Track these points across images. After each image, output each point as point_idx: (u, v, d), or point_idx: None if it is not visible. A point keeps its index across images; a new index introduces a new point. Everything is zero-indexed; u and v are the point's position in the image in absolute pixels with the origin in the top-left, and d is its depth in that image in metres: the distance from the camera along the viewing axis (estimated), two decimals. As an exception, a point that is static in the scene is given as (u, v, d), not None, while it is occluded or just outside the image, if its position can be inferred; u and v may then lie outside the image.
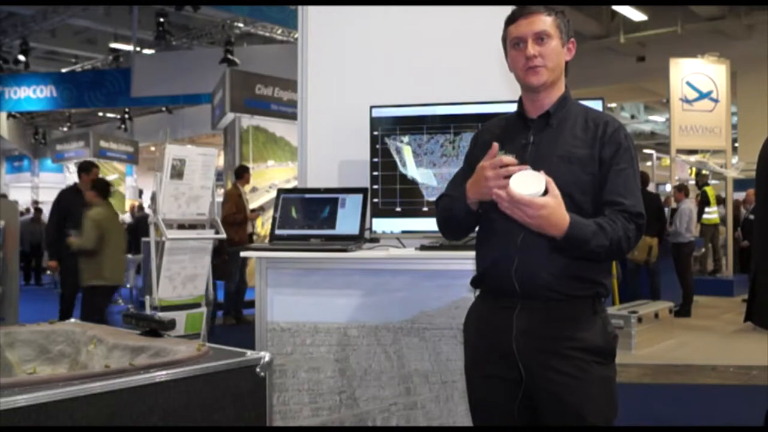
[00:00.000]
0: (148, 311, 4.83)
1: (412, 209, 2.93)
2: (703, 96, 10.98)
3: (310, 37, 3.28)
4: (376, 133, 2.97)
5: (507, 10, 1.88)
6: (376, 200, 2.96)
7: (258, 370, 1.62)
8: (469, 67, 3.11)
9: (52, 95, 15.58)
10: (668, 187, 12.94)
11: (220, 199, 7.36)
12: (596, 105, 2.31)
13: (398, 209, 2.94)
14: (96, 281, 5.34)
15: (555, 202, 1.58)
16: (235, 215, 7.28)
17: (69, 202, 6.13)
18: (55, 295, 9.28)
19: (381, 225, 2.98)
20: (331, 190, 3.04)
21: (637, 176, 1.79)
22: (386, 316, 2.77)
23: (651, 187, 10.07)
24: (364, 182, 3.00)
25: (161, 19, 12.84)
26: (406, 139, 2.93)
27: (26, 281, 12.69)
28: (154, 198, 5.37)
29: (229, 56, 12.95)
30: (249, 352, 1.66)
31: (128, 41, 15.26)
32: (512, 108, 1.95)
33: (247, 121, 10.51)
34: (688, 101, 10.94)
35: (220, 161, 10.97)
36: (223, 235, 5.43)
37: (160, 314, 4.46)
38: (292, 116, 9.90)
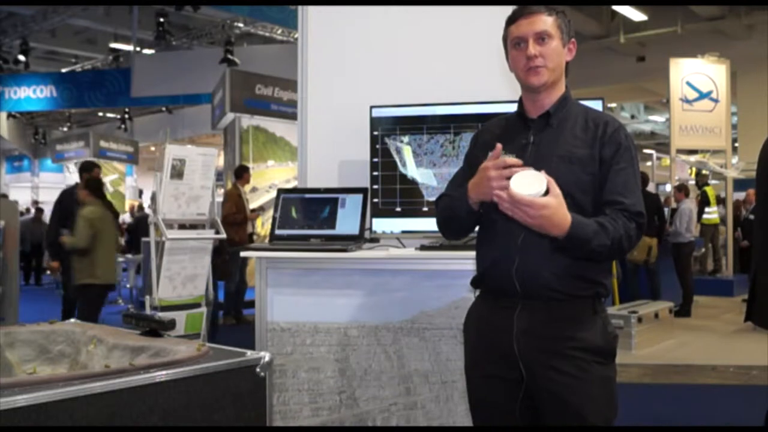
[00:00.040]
0: (148, 311, 4.83)
1: (412, 209, 2.93)
2: (703, 96, 10.99)
3: (310, 37, 3.28)
4: (376, 133, 2.97)
5: (507, 10, 1.88)
6: (376, 200, 2.96)
7: (258, 370, 1.62)
8: (469, 67, 3.11)
9: (52, 95, 15.58)
10: (668, 187, 12.94)
11: (220, 199, 7.35)
12: (596, 105, 2.31)
13: (398, 209, 2.94)
14: (89, 280, 5.34)
15: (556, 202, 1.58)
16: (234, 215, 7.28)
17: (71, 202, 6.12)
18: (55, 295, 9.30)
19: (381, 225, 2.98)
20: (331, 190, 3.04)
21: (638, 176, 1.79)
22: (386, 316, 2.77)
23: (651, 187, 10.07)
24: (364, 182, 3.00)
25: (161, 19, 12.84)
26: (406, 139, 2.93)
27: (26, 281, 12.69)
28: (154, 198, 5.37)
29: (229, 56, 12.95)
30: (249, 352, 1.66)
31: (128, 41, 15.26)
32: (512, 108, 1.95)
33: (247, 121, 10.51)
34: (688, 101, 10.94)
35: (220, 161, 10.97)
36: (223, 235, 5.43)
37: (160, 314, 4.46)
38: (292, 116, 9.90)
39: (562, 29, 1.81)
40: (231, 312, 7.64)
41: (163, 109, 18.82)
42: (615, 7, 13.39)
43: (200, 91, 13.41)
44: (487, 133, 1.95)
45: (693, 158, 11.58)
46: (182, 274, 5.15)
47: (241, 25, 14.03)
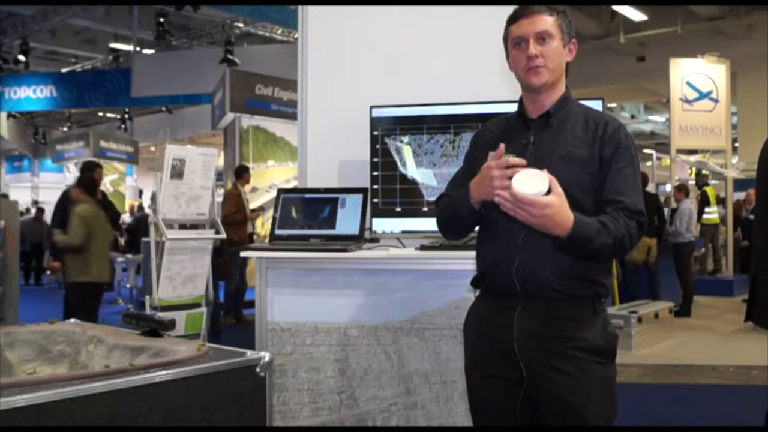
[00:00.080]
0: (148, 311, 4.83)
1: (412, 209, 2.93)
2: (703, 96, 10.99)
3: (310, 37, 3.28)
4: (376, 133, 2.97)
5: (507, 9, 1.88)
6: (376, 200, 2.96)
7: (258, 370, 1.62)
8: (469, 67, 3.11)
9: (52, 95, 15.58)
10: (668, 187, 12.94)
11: (220, 199, 7.35)
12: (596, 105, 2.31)
13: (398, 209, 2.94)
14: (83, 278, 5.34)
15: (559, 201, 1.58)
16: (234, 215, 7.27)
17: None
18: (56, 295, 9.30)
19: (381, 225, 2.98)
20: (331, 190, 3.04)
21: (638, 175, 1.78)
22: (386, 316, 2.77)
23: (651, 187, 10.07)
24: (364, 182, 3.00)
25: (161, 19, 12.84)
26: (406, 139, 2.93)
27: (26, 281, 12.69)
28: (154, 198, 5.37)
29: (229, 56, 12.95)
30: (249, 352, 1.66)
31: (128, 41, 15.26)
32: (512, 108, 1.95)
33: (247, 121, 10.51)
34: (688, 101, 10.94)
35: (220, 161, 10.97)
36: (223, 235, 5.43)
37: (160, 314, 4.46)
38: (292, 116, 9.90)
39: (563, 29, 1.81)
40: (231, 312, 7.64)
41: (163, 109, 18.81)
42: (615, 7, 13.39)
43: (200, 91, 13.41)
44: (487, 133, 1.95)
45: (693, 158, 11.58)
46: (182, 274, 5.14)
47: (241, 25, 14.03)
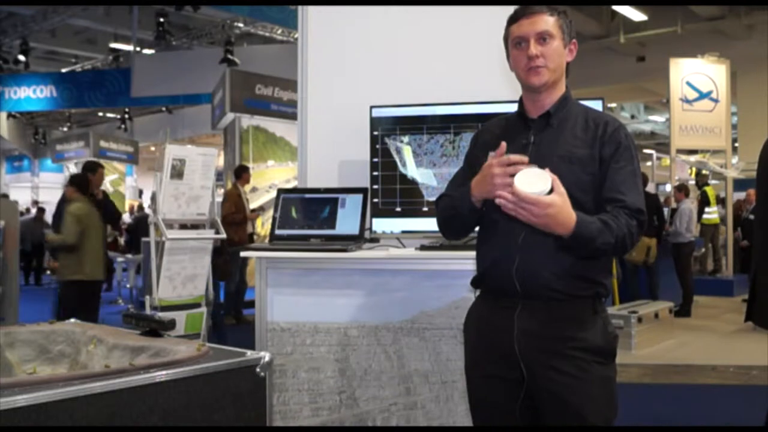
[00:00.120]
0: (148, 311, 4.83)
1: (412, 209, 2.93)
2: (703, 96, 10.99)
3: (310, 37, 3.28)
4: (376, 133, 2.97)
5: (507, 9, 1.88)
6: (376, 200, 2.96)
7: (258, 370, 1.62)
8: (469, 67, 3.11)
9: (52, 95, 15.58)
10: (668, 187, 12.94)
11: (220, 199, 7.35)
12: (596, 105, 2.31)
13: (398, 209, 2.94)
14: (76, 276, 5.34)
15: (561, 200, 1.58)
16: (234, 215, 7.27)
17: None
18: (56, 295, 9.28)
19: (381, 225, 2.98)
20: (331, 190, 3.04)
21: (638, 174, 1.78)
22: (386, 316, 2.77)
23: (651, 187, 10.07)
24: (364, 182, 3.00)
25: (161, 19, 12.84)
26: (406, 139, 2.93)
27: (26, 281, 12.69)
28: (154, 198, 5.37)
29: (229, 56, 12.95)
30: (249, 352, 1.66)
31: (128, 41, 15.27)
32: (512, 108, 1.95)
33: (247, 121, 10.51)
34: (688, 101, 10.94)
35: (220, 161, 10.97)
36: (223, 235, 5.43)
37: (160, 314, 4.46)
38: (292, 116, 9.89)
39: (564, 30, 1.81)
40: (231, 312, 7.64)
41: (163, 109, 18.82)
42: (615, 7, 13.39)
43: (200, 91, 13.41)
44: (487, 133, 1.95)
45: (693, 158, 11.58)
46: (182, 274, 5.14)
47: (241, 25, 14.03)
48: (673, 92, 10.93)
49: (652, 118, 22.52)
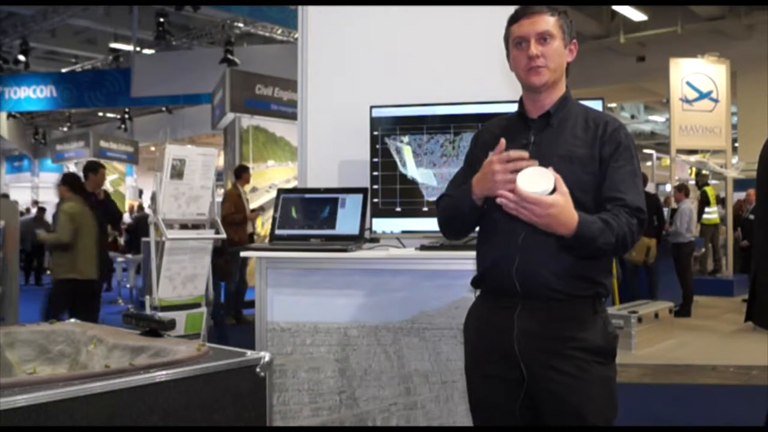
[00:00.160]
0: (148, 311, 4.82)
1: (412, 209, 2.93)
2: (703, 96, 10.98)
3: (310, 37, 3.28)
4: (376, 133, 2.97)
5: (508, 9, 1.88)
6: (376, 200, 2.96)
7: (258, 370, 1.62)
8: (469, 67, 3.11)
9: (52, 95, 15.59)
10: (668, 187, 12.94)
11: (220, 199, 7.35)
12: (596, 105, 2.31)
13: (398, 209, 2.94)
14: (70, 275, 5.34)
15: (563, 200, 1.57)
16: (233, 215, 7.27)
17: None
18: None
19: (381, 225, 2.98)
20: (331, 190, 3.04)
21: (638, 173, 1.78)
22: (386, 316, 2.77)
23: (651, 187, 10.07)
24: (364, 182, 3.00)
25: (161, 19, 12.84)
26: (406, 139, 2.93)
27: (26, 281, 12.69)
28: (154, 198, 5.37)
29: (229, 56, 12.95)
30: (249, 352, 1.66)
31: (128, 41, 15.27)
32: (513, 108, 1.95)
33: (247, 121, 10.51)
34: (688, 101, 10.94)
35: (220, 161, 10.97)
36: (223, 235, 5.43)
37: (160, 314, 4.46)
38: (292, 116, 9.90)
39: (564, 30, 1.81)
40: (231, 312, 7.64)
41: (163, 109, 18.82)
42: (615, 7, 13.39)
43: (200, 91, 13.41)
44: (487, 133, 1.95)
45: (693, 158, 11.58)
46: (182, 274, 5.14)
47: (241, 25, 14.04)
48: (673, 92, 10.93)
49: (652, 118, 22.52)
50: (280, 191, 3.13)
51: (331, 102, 3.24)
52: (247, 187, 8.35)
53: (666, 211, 9.40)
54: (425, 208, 2.90)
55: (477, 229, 1.91)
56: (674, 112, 10.98)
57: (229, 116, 10.41)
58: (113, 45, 15.89)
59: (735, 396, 4.90)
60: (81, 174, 6.19)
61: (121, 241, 12.76)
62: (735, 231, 11.14)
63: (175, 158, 5.07)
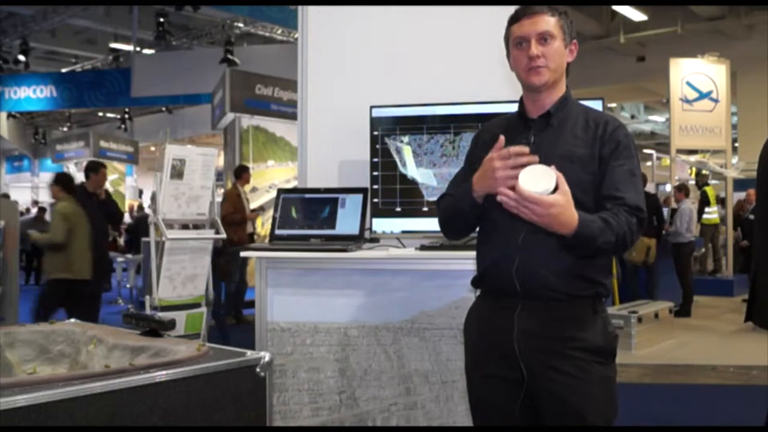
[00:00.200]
0: (148, 311, 4.82)
1: (412, 209, 2.93)
2: (703, 96, 10.98)
3: (310, 37, 3.28)
4: (376, 133, 2.97)
5: (508, 9, 1.88)
6: (376, 200, 2.96)
7: (258, 370, 1.62)
8: (469, 67, 3.11)
9: (52, 95, 15.59)
10: (668, 187, 12.94)
11: (220, 199, 7.35)
12: (596, 105, 2.31)
13: (398, 209, 2.94)
14: (63, 274, 5.34)
15: (564, 200, 1.57)
16: (232, 215, 7.26)
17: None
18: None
19: (381, 225, 2.98)
20: (331, 190, 3.04)
21: (638, 173, 1.78)
22: (386, 316, 2.77)
23: (651, 187, 10.07)
24: (364, 182, 3.00)
25: (161, 19, 12.85)
26: (406, 139, 2.93)
27: (26, 281, 12.69)
28: (154, 198, 5.36)
29: (229, 56, 12.96)
30: (249, 352, 1.66)
31: (128, 41, 15.27)
32: (513, 108, 1.95)
33: (247, 121, 10.51)
34: (688, 101, 10.94)
35: (220, 161, 10.97)
36: (223, 235, 5.43)
37: (160, 314, 4.46)
38: (292, 116, 9.90)
39: (565, 30, 1.81)
40: (231, 312, 7.64)
41: (163, 109, 18.83)
42: (615, 7, 13.39)
43: (200, 91, 13.42)
44: (487, 133, 1.95)
45: (693, 158, 11.58)
46: (182, 274, 5.14)
47: (241, 25, 14.04)
48: (673, 92, 10.93)
49: (652, 118, 22.52)
50: (280, 191, 3.13)
51: (331, 102, 3.23)
52: (247, 187, 8.35)
53: (666, 211, 9.40)
54: (425, 208, 2.90)
55: (477, 228, 1.91)
56: (674, 112, 10.97)
57: (229, 116, 10.41)
58: (113, 45, 15.90)
59: (735, 396, 4.90)
60: (82, 174, 6.18)
61: (121, 241, 12.76)
62: (735, 231, 11.14)
63: (175, 158, 5.07)
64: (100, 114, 21.68)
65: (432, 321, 2.73)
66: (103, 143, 16.72)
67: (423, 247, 2.81)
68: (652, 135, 23.76)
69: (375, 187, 2.96)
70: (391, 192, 2.94)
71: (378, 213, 2.97)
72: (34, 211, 15.04)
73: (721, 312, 8.71)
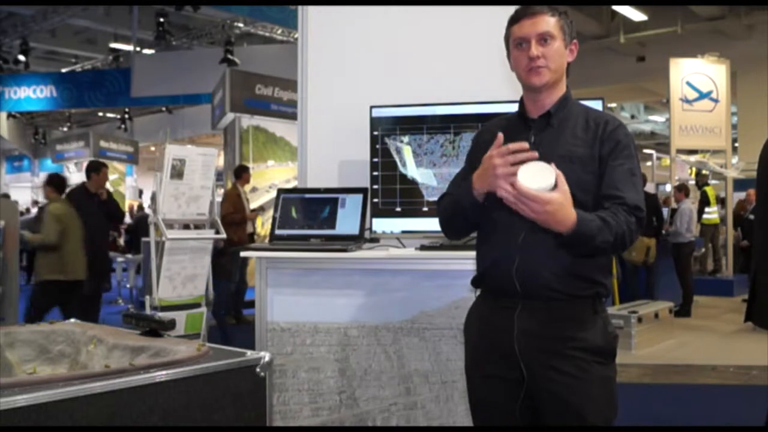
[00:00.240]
0: (148, 311, 4.83)
1: (412, 209, 2.93)
2: (703, 96, 10.98)
3: (310, 37, 3.28)
4: (376, 133, 2.97)
5: (508, 9, 1.88)
6: (376, 200, 2.96)
7: (258, 370, 1.62)
8: (469, 67, 3.11)
9: (52, 95, 15.59)
10: (668, 187, 12.94)
11: (220, 199, 7.35)
12: (596, 105, 2.31)
13: (398, 209, 2.94)
14: (55, 276, 5.34)
15: (562, 198, 1.57)
16: (232, 215, 7.26)
17: (79, 202, 6.05)
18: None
19: (381, 225, 2.98)
20: (331, 190, 3.04)
21: (637, 172, 1.78)
22: (386, 316, 2.77)
23: (651, 187, 10.06)
24: (364, 182, 3.00)
25: (161, 19, 12.84)
26: (406, 139, 2.93)
27: (26, 281, 12.68)
28: (154, 198, 5.37)
29: (229, 56, 12.96)
30: (249, 352, 1.66)
31: (128, 41, 15.27)
32: (513, 108, 1.95)
33: (247, 121, 10.51)
34: (688, 101, 10.94)
35: (220, 161, 10.97)
36: (224, 235, 5.43)
37: (160, 314, 4.46)
38: (292, 116, 9.90)
39: (565, 30, 1.81)
40: (231, 312, 7.64)
41: (163, 109, 18.82)
42: (615, 7, 13.38)
43: (200, 91, 13.42)
44: (487, 133, 1.95)
45: (693, 158, 11.58)
46: (182, 274, 5.14)
47: (241, 25, 14.04)
48: (673, 92, 10.93)
49: (652, 118, 22.52)
50: (280, 191, 3.13)
51: (331, 102, 3.23)
52: (247, 187, 8.35)
53: (666, 211, 9.40)
54: (425, 208, 2.90)
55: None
56: (674, 112, 10.97)
57: (229, 116, 10.41)
58: (113, 45, 15.90)
59: (735, 396, 4.90)
60: (83, 173, 6.18)
61: (121, 241, 12.76)
62: (735, 231, 11.14)
63: (175, 158, 5.07)
64: (100, 114, 21.68)
65: (432, 321, 2.73)
66: (103, 143, 16.71)
67: (423, 247, 2.81)
68: (652, 135, 23.76)
69: (375, 187, 2.96)
70: (391, 192, 2.94)
71: (378, 213, 2.97)
72: (34, 211, 15.02)
73: (721, 312, 8.71)
